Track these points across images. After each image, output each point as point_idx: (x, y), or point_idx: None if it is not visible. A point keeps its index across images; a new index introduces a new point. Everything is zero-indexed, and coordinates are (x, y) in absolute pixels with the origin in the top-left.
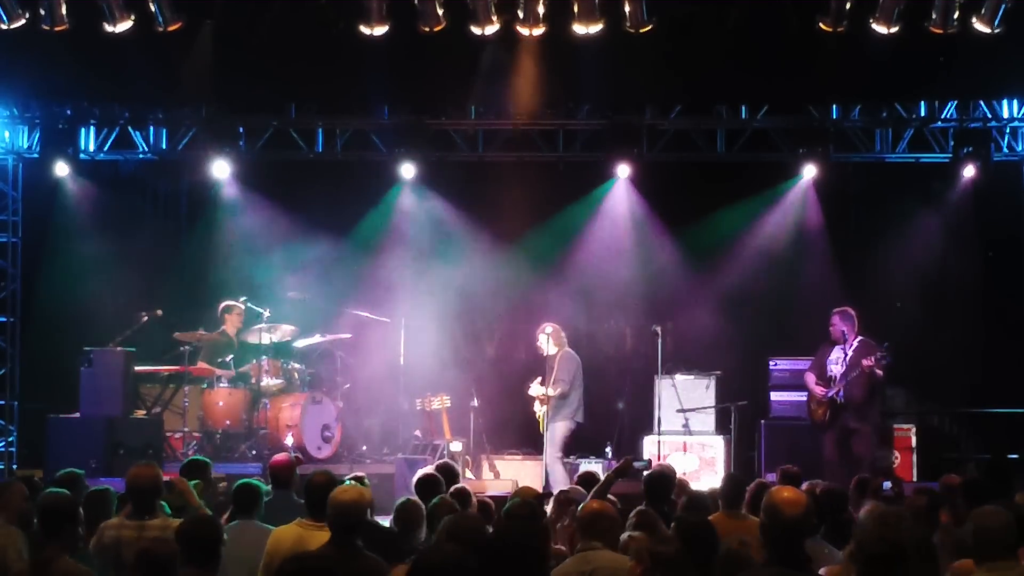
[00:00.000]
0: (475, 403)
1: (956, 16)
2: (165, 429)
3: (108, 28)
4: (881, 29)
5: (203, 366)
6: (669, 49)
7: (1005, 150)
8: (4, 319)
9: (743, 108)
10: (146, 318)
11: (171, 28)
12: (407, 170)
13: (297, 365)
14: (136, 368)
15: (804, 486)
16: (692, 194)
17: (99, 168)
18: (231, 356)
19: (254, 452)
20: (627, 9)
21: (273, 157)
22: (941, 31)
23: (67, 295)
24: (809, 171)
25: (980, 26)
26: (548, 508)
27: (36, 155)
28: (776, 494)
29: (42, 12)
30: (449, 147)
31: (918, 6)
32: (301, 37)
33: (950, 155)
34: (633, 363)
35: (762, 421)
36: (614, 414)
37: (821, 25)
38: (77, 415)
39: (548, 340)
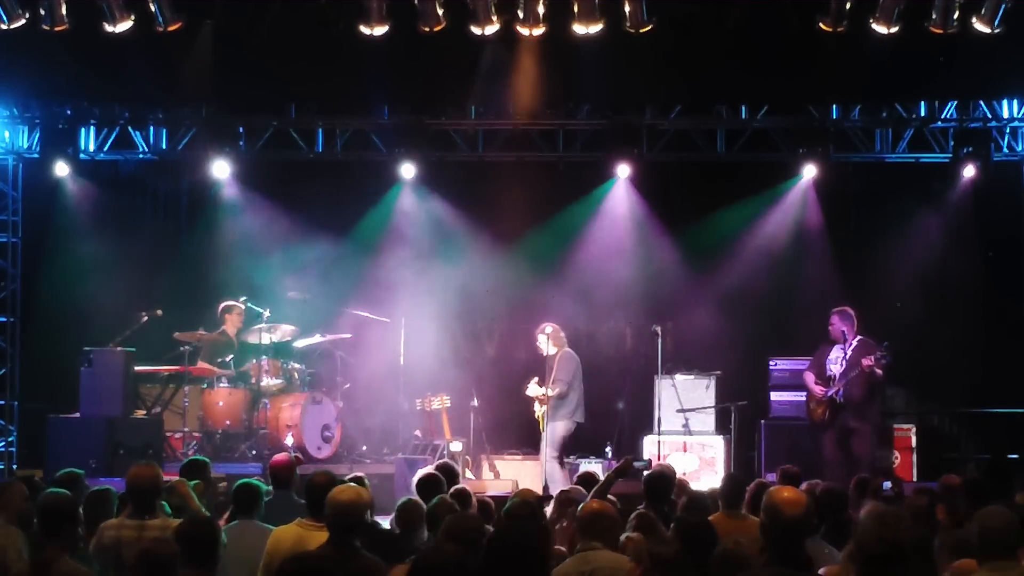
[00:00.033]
0: (475, 403)
1: (956, 16)
2: (165, 429)
3: (108, 28)
4: (881, 29)
5: (203, 366)
6: (669, 49)
7: (1005, 150)
8: (4, 319)
9: (743, 108)
10: (146, 318)
11: (171, 28)
12: (407, 170)
13: (297, 365)
14: (136, 368)
15: (804, 486)
16: (692, 194)
17: (99, 168)
18: (231, 356)
19: (254, 452)
20: (627, 9)
21: (273, 157)
22: (941, 31)
23: (67, 295)
24: (809, 171)
25: (980, 26)
26: (548, 509)
27: (36, 155)
28: (776, 494)
29: (42, 12)
30: (449, 147)
31: (918, 6)
32: (301, 37)
33: (950, 155)
34: (633, 363)
35: (762, 421)
36: (614, 414)
37: (821, 25)
38: (77, 415)
39: (547, 340)
